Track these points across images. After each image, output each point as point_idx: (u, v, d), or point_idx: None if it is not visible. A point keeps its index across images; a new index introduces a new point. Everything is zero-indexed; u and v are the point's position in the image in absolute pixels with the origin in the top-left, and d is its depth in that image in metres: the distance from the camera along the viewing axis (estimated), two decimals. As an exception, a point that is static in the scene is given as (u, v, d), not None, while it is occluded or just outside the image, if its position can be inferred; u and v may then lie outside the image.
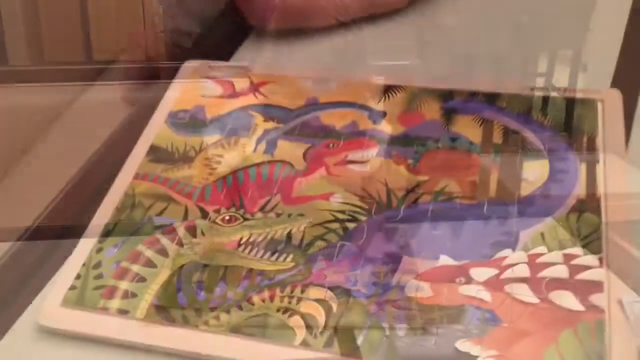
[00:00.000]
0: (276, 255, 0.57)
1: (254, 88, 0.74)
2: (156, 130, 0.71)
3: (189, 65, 0.79)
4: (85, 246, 0.61)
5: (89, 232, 0.62)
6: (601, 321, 0.49)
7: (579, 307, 0.50)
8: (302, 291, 0.54)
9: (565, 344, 0.48)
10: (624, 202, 0.57)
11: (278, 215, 0.60)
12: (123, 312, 0.55)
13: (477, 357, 0.48)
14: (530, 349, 0.48)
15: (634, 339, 0.48)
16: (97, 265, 0.59)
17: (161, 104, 0.75)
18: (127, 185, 0.66)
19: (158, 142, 0.70)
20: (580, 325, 0.49)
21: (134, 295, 0.56)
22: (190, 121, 0.72)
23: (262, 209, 0.61)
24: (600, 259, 0.53)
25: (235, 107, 0.72)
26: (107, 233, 0.61)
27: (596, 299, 0.51)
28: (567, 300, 0.51)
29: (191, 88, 0.76)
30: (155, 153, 0.69)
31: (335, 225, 0.59)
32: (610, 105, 0.65)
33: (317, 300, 0.54)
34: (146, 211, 0.63)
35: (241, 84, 0.75)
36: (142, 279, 0.57)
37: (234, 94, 0.74)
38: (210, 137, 0.69)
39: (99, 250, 0.60)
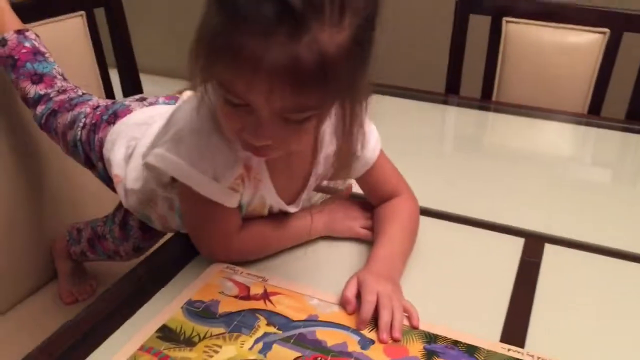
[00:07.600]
0: None
1: (266, 296, 0.84)
2: (172, 313, 0.80)
3: (215, 266, 0.90)
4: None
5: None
6: None
7: None
8: None
9: None
10: None
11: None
12: None
13: None
14: None
15: None
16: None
17: (184, 292, 0.84)
18: (130, 354, 0.73)
19: (170, 323, 0.78)
20: None
21: None
22: (203, 311, 0.81)
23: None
24: None
25: (245, 308, 0.81)
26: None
27: None
28: None
29: (213, 284, 0.86)
30: (164, 331, 0.77)
31: None
32: None
33: None
34: (141, 382, 0.69)
35: (256, 289, 0.85)
36: None
37: (248, 297, 0.84)
38: (216, 329, 0.77)
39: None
